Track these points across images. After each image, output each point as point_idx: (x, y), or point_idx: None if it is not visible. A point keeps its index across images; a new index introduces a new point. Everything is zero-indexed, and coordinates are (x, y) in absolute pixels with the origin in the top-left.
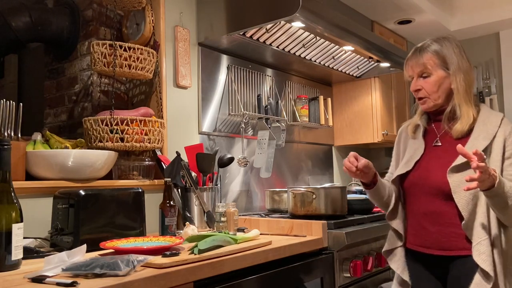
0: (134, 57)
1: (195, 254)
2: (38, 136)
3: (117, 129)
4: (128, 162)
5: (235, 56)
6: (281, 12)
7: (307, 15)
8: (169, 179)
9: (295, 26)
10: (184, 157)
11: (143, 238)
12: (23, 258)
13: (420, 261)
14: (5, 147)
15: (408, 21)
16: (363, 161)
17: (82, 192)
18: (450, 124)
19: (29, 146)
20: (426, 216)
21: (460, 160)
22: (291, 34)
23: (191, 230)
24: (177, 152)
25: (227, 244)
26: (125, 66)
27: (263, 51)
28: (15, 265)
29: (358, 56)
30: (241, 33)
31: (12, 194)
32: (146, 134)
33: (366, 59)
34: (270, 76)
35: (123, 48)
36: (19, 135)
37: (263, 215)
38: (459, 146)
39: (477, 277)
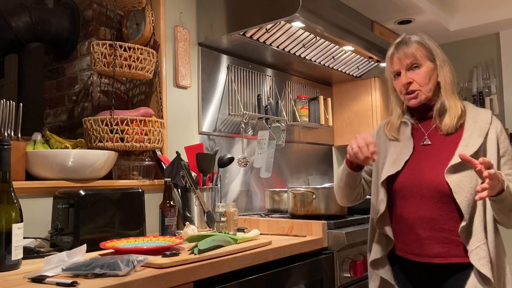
0: (134, 57)
1: (195, 254)
2: (38, 136)
3: (117, 129)
4: (128, 162)
5: (235, 56)
6: (281, 12)
7: (307, 15)
8: (169, 179)
9: (295, 26)
10: (184, 157)
11: (143, 238)
12: (23, 258)
13: (409, 269)
14: (5, 147)
15: (408, 21)
16: (375, 149)
17: (82, 192)
18: (440, 119)
19: (29, 146)
20: (417, 221)
21: (457, 159)
22: (291, 34)
23: (191, 230)
24: (177, 152)
25: (227, 244)
26: (125, 66)
27: (263, 51)
28: (15, 265)
29: (358, 56)
30: (241, 33)
31: (12, 194)
32: (146, 134)
33: (366, 59)
34: (270, 76)
35: (123, 48)
36: (19, 135)
37: (263, 215)
38: (463, 154)
39: (473, 281)
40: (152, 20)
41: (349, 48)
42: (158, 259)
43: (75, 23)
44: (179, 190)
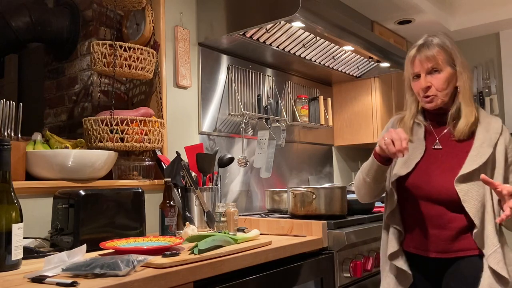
0: (134, 57)
1: (195, 254)
2: (38, 136)
3: (117, 129)
4: (128, 162)
5: (235, 56)
6: (281, 12)
7: (307, 15)
8: (169, 179)
9: (295, 26)
10: (184, 157)
11: (143, 238)
12: (23, 258)
13: (416, 264)
14: (5, 147)
15: (408, 21)
16: (407, 145)
17: (82, 192)
18: (454, 124)
19: (29, 146)
20: (424, 218)
21: (467, 169)
22: (291, 34)
23: (191, 230)
24: (177, 152)
25: (227, 244)
26: (125, 66)
27: (263, 51)
28: (15, 265)
29: (358, 56)
30: (241, 33)
31: (12, 194)
32: (146, 134)
33: (366, 59)
34: (270, 76)
35: (123, 48)
36: (19, 135)
37: (263, 215)
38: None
39: (489, 280)
40: (152, 20)
41: (349, 48)
42: (158, 259)
43: (75, 23)
44: (179, 190)
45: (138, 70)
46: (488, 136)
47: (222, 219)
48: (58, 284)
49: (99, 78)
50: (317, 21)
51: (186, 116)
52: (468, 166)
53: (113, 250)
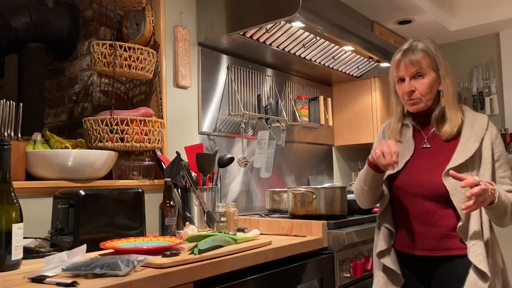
0: (134, 57)
1: (195, 254)
2: (38, 136)
3: (117, 129)
4: (128, 162)
5: (235, 56)
6: (281, 12)
7: (307, 15)
8: (169, 179)
9: (295, 26)
10: (184, 157)
11: (143, 238)
12: (23, 258)
13: (406, 263)
14: (5, 147)
15: (408, 21)
16: (397, 160)
17: (82, 192)
18: (438, 126)
19: (29, 146)
20: (414, 216)
21: (453, 163)
22: (291, 34)
23: (191, 230)
24: (177, 152)
25: (227, 244)
26: (125, 66)
27: (263, 51)
28: (15, 265)
29: (358, 56)
30: (241, 33)
31: (12, 194)
32: (146, 134)
33: (366, 59)
34: (270, 76)
35: (123, 48)
36: (19, 135)
37: (263, 215)
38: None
39: (472, 277)
40: (152, 20)
41: (349, 48)
42: (158, 259)
43: (75, 23)
44: (179, 190)
45: (138, 70)
46: (473, 132)
47: (222, 219)
48: (58, 284)
49: (99, 78)
50: (317, 21)
51: (186, 116)
52: (455, 160)
53: (113, 250)
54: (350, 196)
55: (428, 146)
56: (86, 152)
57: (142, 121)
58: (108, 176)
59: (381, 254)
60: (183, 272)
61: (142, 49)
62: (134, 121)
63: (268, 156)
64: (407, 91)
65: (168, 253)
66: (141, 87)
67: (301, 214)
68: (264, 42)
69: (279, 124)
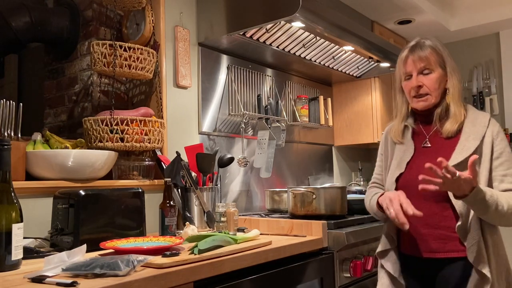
0: (134, 57)
1: (195, 254)
2: (38, 136)
3: (117, 129)
4: (128, 162)
5: (235, 56)
6: (281, 12)
7: (307, 15)
8: (169, 179)
9: (295, 26)
10: (184, 157)
11: (143, 238)
12: (23, 258)
13: (410, 265)
14: (5, 147)
15: (408, 21)
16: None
17: (82, 192)
18: (441, 123)
19: (29, 146)
20: (416, 218)
21: (454, 161)
22: (291, 34)
23: (191, 230)
24: (177, 152)
25: (227, 244)
26: (125, 66)
27: (263, 51)
28: (15, 265)
29: (358, 56)
30: (241, 33)
31: (12, 194)
32: (146, 134)
33: (366, 59)
34: (270, 76)
35: (123, 48)
36: (19, 135)
37: (263, 215)
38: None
39: (473, 279)
40: (152, 20)
41: (349, 48)
42: (158, 259)
43: (75, 23)
44: (179, 190)
45: (138, 70)
46: (474, 130)
47: (222, 219)
48: (58, 284)
49: (99, 78)
50: (317, 21)
51: (186, 116)
52: (454, 159)
53: (113, 250)
54: (350, 196)
55: (429, 145)
56: (86, 152)
57: (142, 121)
58: (108, 176)
59: (382, 254)
60: (183, 272)
61: (142, 49)
62: (134, 121)
63: (268, 156)
64: (415, 86)
65: (168, 253)
66: (141, 87)
67: (301, 214)
68: (264, 42)
69: (279, 124)
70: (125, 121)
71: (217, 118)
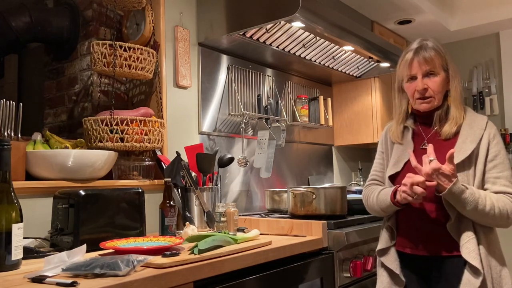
0: (134, 57)
1: (195, 254)
2: (38, 136)
3: (117, 129)
4: (128, 162)
5: (235, 56)
6: (281, 12)
7: (307, 15)
8: (169, 179)
9: (295, 26)
10: (184, 157)
11: (143, 238)
12: (23, 258)
13: (408, 263)
14: (5, 147)
15: (408, 21)
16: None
17: (82, 192)
18: (440, 124)
19: (29, 146)
20: (414, 217)
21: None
22: (291, 34)
23: (191, 230)
24: (177, 152)
25: (227, 244)
26: (125, 66)
27: (263, 51)
28: (15, 265)
29: (358, 56)
30: (241, 33)
31: (12, 194)
32: (146, 134)
33: (366, 59)
34: (270, 76)
35: (123, 48)
36: (19, 135)
37: (263, 215)
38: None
39: (466, 275)
40: (152, 20)
41: (349, 48)
42: (158, 259)
43: (75, 23)
44: (179, 190)
45: (138, 70)
46: (472, 132)
47: (222, 219)
48: (58, 284)
49: (99, 78)
50: (317, 21)
51: (186, 116)
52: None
53: (113, 250)
54: (350, 196)
55: (427, 147)
56: (86, 152)
57: (142, 121)
58: (108, 176)
59: (382, 253)
60: (183, 272)
61: (142, 49)
62: (134, 121)
63: (268, 156)
64: (421, 88)
65: (168, 253)
66: (141, 87)
67: (301, 214)
68: (264, 42)
69: (279, 124)
70: (125, 121)
71: (217, 118)
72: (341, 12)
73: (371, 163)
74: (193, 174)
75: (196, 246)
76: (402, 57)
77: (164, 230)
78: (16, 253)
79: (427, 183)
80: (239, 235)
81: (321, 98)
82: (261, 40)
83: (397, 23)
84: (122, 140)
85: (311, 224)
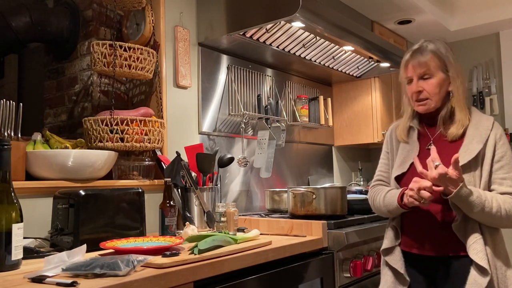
0: (134, 57)
1: (195, 254)
2: (38, 136)
3: (117, 129)
4: (128, 162)
5: (235, 56)
6: (281, 12)
7: (307, 15)
8: (169, 179)
9: (295, 26)
10: (184, 157)
11: (143, 238)
12: (23, 258)
13: (413, 263)
14: (5, 147)
15: (408, 21)
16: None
17: (82, 192)
18: (445, 127)
19: (29, 146)
20: (420, 217)
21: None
22: (291, 34)
23: (191, 230)
24: (177, 152)
25: (227, 244)
26: (125, 66)
27: (263, 51)
28: (15, 265)
29: (358, 56)
30: (241, 33)
31: (12, 194)
32: (146, 134)
33: (366, 59)
34: (270, 76)
35: (123, 48)
36: (19, 135)
37: (263, 215)
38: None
39: (473, 274)
40: (152, 20)
41: (349, 48)
42: (158, 259)
43: (75, 23)
44: (179, 190)
45: (138, 70)
46: (478, 133)
47: (222, 219)
48: (58, 284)
49: (99, 78)
50: (317, 21)
51: (186, 116)
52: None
53: (113, 250)
54: (350, 196)
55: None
56: (86, 152)
57: (142, 121)
58: (108, 176)
59: (386, 252)
60: (183, 272)
61: (142, 49)
62: (134, 121)
63: (268, 156)
64: (415, 91)
65: (168, 253)
66: (141, 87)
67: (301, 214)
68: (264, 42)
69: (279, 124)
70: (125, 121)
71: (217, 118)
72: (341, 12)
73: (371, 163)
74: (193, 174)
75: (196, 246)
76: (403, 57)
77: (164, 230)
78: (16, 253)
79: (434, 188)
80: (239, 235)
81: (321, 98)
82: (261, 40)
83: (397, 23)
84: (122, 140)
85: (311, 224)
